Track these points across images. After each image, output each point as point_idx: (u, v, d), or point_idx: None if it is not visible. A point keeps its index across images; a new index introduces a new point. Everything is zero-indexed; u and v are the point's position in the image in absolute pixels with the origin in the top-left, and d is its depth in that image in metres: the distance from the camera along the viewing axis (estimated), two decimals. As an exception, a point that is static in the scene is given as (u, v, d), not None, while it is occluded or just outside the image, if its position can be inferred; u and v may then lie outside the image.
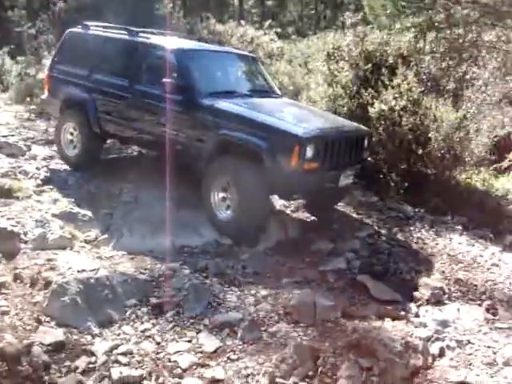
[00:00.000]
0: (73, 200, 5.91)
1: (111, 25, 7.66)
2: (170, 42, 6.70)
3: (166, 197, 6.02)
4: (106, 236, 5.23)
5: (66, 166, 7.31)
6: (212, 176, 5.63)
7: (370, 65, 8.69)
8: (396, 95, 7.65)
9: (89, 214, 5.60)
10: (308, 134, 5.26)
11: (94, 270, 4.00)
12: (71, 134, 7.29)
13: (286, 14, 31.13)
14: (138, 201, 6.14)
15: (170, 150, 6.00)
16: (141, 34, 6.85)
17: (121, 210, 5.82)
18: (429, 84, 8.35)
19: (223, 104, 5.77)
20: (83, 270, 3.96)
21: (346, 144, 5.64)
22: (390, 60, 8.68)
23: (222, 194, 5.59)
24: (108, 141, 7.71)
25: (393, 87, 7.76)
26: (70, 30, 7.67)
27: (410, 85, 7.74)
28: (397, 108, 7.52)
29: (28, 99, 11.86)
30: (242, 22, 19.12)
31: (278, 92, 7.44)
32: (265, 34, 18.09)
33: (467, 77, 8.97)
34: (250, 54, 8.17)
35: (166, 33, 8.23)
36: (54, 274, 4.03)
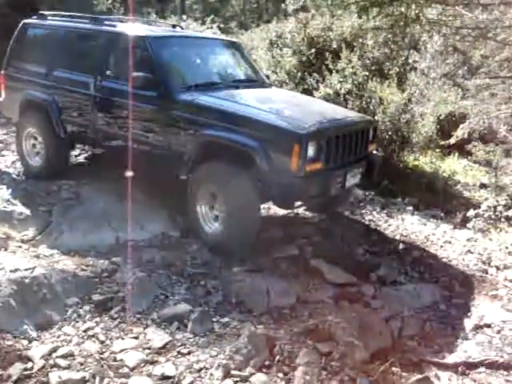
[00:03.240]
0: (7, 198, 5.51)
1: (72, 14, 6.75)
2: (139, 30, 5.87)
3: (108, 192, 5.75)
4: (44, 234, 4.88)
5: (1, 166, 6.87)
6: (196, 185, 4.91)
7: (313, 50, 8.64)
8: (341, 79, 7.61)
9: (26, 212, 5.22)
10: (308, 130, 4.48)
11: (29, 269, 3.69)
12: (33, 140, 6.49)
13: (228, 8, 30.92)
14: (78, 197, 5.79)
15: (146, 157, 5.41)
16: (106, 22, 6.04)
17: (60, 207, 5.46)
18: (373, 68, 8.35)
19: (205, 98, 4.99)
20: (17, 270, 3.64)
21: (350, 138, 4.93)
22: (334, 45, 8.67)
23: (209, 206, 4.89)
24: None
25: (337, 71, 7.71)
26: (24, 20, 6.80)
27: (354, 68, 7.71)
28: (342, 92, 7.48)
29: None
30: (184, 17, 18.79)
31: (267, 81, 6.65)
32: (207, 28, 17.88)
33: (410, 61, 9.04)
34: (233, 40, 7.42)
35: (135, 20, 7.53)
36: (-15, 276, 3.69)
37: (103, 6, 17.48)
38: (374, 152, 5.68)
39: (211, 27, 18.09)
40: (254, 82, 6.13)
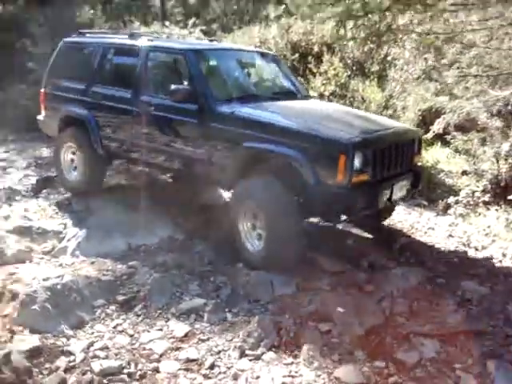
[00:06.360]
0: (24, 215, 5.95)
1: (109, 30, 6.99)
2: (177, 44, 6.05)
3: (116, 202, 6.20)
4: (62, 245, 5.33)
5: (10, 183, 7.28)
6: (237, 202, 4.84)
7: (296, 54, 9.13)
8: (324, 81, 8.10)
9: (42, 226, 5.66)
10: (354, 140, 4.34)
11: (58, 277, 4.14)
12: (72, 156, 6.61)
13: (209, 11, 31.14)
14: (88, 209, 6.24)
15: (187, 171, 5.48)
16: (144, 37, 6.14)
17: (74, 219, 5.93)
18: (354, 68, 8.86)
19: (245, 110, 4.90)
20: (48, 278, 4.10)
21: (397, 149, 4.76)
22: (316, 48, 9.16)
23: (251, 223, 4.79)
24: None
25: (320, 74, 8.20)
26: (64, 39, 6.95)
27: (336, 70, 8.21)
28: (326, 93, 7.97)
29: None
30: (167, 22, 19.15)
31: (306, 93, 6.65)
32: (190, 32, 18.26)
33: (389, 58, 9.52)
34: (270, 52, 7.35)
35: (169, 35, 7.72)
36: (20, 285, 4.15)
37: (85, 16, 17.78)
38: (419, 163, 5.56)
39: (193, 31, 18.44)
40: (293, 94, 6.07)
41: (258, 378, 3.28)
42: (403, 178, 4.97)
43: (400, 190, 4.93)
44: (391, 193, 4.74)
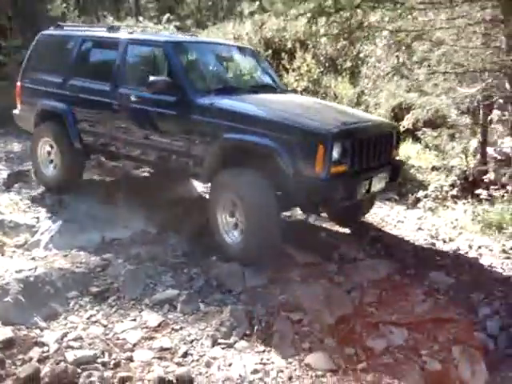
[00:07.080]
0: (-5, 208, 5.92)
1: (88, 24, 6.92)
2: (157, 36, 6.05)
3: (89, 196, 6.20)
4: (35, 239, 5.31)
5: (-19, 178, 7.20)
6: (217, 193, 4.85)
7: (270, 51, 9.22)
8: (297, 77, 8.21)
9: (15, 219, 5.63)
10: (333, 130, 4.37)
11: (31, 269, 4.15)
12: (48, 151, 6.48)
13: (183, 7, 31.00)
14: (62, 203, 6.22)
15: (166, 164, 5.44)
16: (122, 30, 6.17)
17: (47, 213, 5.91)
18: (327, 64, 8.98)
19: (224, 102, 4.91)
20: (21, 270, 4.10)
21: (375, 141, 4.79)
22: (289, 45, 9.26)
23: (229, 214, 4.80)
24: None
25: (293, 70, 8.30)
26: (42, 32, 6.83)
27: (309, 66, 8.32)
28: (299, 89, 8.07)
29: None
30: (140, 18, 19.04)
31: (285, 87, 6.63)
32: (164, 28, 18.22)
33: (361, 55, 9.67)
34: (249, 47, 7.33)
35: (146, 27, 7.71)
36: (-8, 278, 4.14)
37: (58, 10, 17.53)
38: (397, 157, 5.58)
39: (168, 27, 18.36)
40: (272, 87, 6.09)
41: (230, 365, 3.35)
42: (382, 170, 5.02)
43: (379, 182, 4.98)
44: (370, 185, 4.79)
